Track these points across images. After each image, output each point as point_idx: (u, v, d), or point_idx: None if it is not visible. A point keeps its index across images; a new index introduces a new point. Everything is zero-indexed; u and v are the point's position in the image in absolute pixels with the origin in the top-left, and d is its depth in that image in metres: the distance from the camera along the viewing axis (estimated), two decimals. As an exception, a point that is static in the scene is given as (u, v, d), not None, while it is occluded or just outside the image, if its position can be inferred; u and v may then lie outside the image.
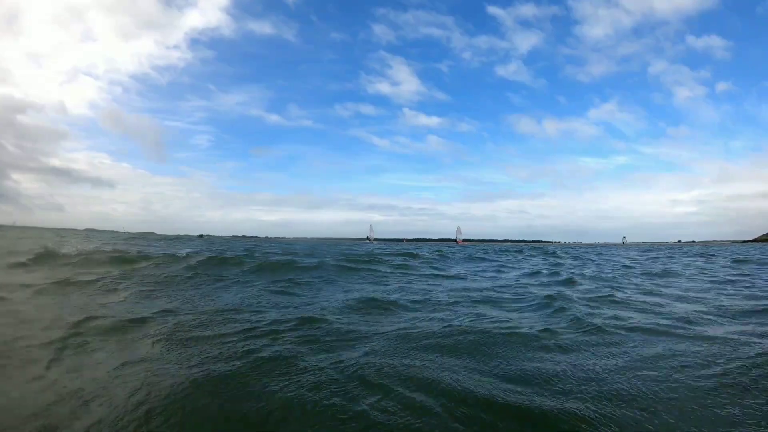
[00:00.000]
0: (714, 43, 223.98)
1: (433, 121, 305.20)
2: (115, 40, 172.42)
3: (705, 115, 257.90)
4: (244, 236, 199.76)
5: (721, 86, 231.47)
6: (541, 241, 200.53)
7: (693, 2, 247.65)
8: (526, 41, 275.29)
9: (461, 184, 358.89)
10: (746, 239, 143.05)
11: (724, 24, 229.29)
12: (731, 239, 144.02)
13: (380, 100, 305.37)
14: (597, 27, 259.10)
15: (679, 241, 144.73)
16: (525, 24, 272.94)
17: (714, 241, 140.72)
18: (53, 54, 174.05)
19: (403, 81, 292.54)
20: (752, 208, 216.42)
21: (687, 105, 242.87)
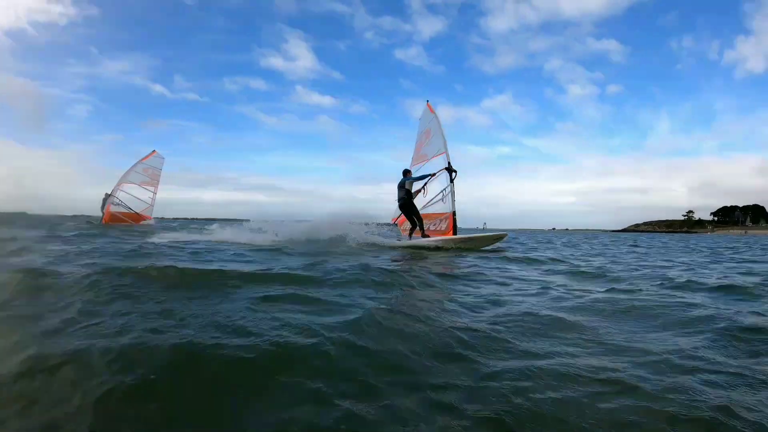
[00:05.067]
0: (612, 47, 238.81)
1: (326, 100, 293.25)
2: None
3: (592, 114, 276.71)
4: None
5: (612, 88, 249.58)
6: None
7: (599, 7, 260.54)
8: (430, 26, 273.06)
9: (348, 165, 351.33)
10: (618, 229, 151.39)
11: (625, 31, 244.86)
12: (605, 228, 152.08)
13: (272, 76, 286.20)
14: (503, 20, 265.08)
15: (554, 229, 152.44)
16: (432, 9, 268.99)
17: (587, 229, 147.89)
18: None
19: (298, 57, 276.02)
20: (627, 201, 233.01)
21: (577, 102, 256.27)
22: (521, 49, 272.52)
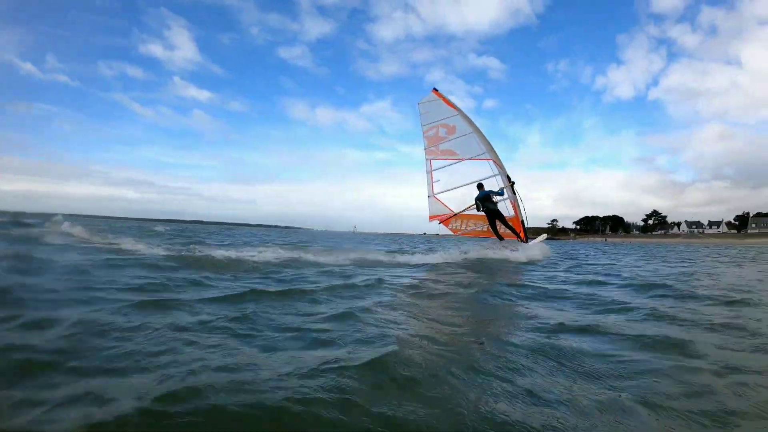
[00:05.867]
0: (493, 64, 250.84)
1: (204, 95, 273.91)
2: None
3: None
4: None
5: (489, 102, 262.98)
6: (294, 227, 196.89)
7: (484, 25, 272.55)
8: (318, 28, 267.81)
9: (223, 164, 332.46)
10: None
11: (506, 50, 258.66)
12: None
13: (150, 64, 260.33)
14: (390, 28, 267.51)
15: (425, 233, 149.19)
16: (322, 10, 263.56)
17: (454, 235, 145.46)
18: None
19: (179, 46, 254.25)
20: None
21: None
22: (405, 58, 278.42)
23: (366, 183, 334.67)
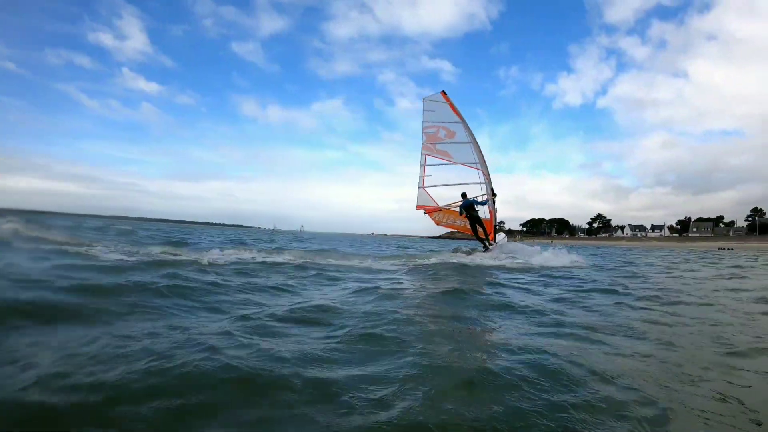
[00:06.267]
0: (445, 67, 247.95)
1: (153, 87, 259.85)
2: None
3: (417, 127, 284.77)
4: None
5: None
6: (243, 226, 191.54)
7: (439, 29, 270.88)
8: (272, 23, 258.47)
9: (170, 160, 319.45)
10: (434, 236, 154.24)
11: (459, 54, 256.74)
12: (422, 235, 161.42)
13: (99, 54, 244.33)
14: (345, 28, 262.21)
15: (373, 233, 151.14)
16: (278, 7, 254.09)
17: (405, 235, 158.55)
18: None
19: (130, 36, 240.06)
20: None
21: (405, 115, 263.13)
22: (359, 58, 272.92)
23: (315, 182, 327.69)
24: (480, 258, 13.28)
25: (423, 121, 16.30)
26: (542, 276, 9.39)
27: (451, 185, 16.10)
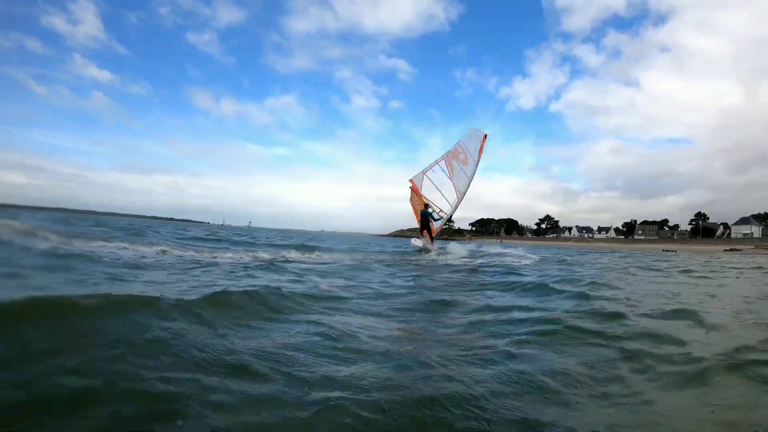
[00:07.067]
0: (402, 66, 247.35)
1: (104, 75, 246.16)
2: None
3: (371, 125, 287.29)
4: None
5: (394, 103, 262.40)
6: (192, 221, 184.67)
7: (397, 28, 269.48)
8: (230, 14, 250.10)
9: (119, 151, 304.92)
10: (384, 233, 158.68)
11: (416, 54, 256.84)
12: (373, 233, 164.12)
13: (51, 38, 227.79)
14: (304, 23, 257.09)
15: (323, 231, 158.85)
16: None
17: (355, 232, 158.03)
18: None
19: (83, 20, 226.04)
20: (395, 208, 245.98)
21: (360, 113, 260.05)
22: (316, 54, 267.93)
23: (265, 177, 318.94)
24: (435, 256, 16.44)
25: (461, 140, 20.57)
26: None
27: (436, 189, 20.37)
